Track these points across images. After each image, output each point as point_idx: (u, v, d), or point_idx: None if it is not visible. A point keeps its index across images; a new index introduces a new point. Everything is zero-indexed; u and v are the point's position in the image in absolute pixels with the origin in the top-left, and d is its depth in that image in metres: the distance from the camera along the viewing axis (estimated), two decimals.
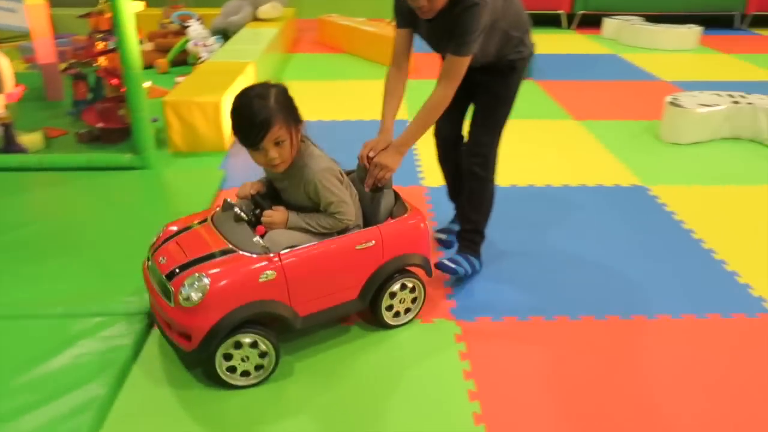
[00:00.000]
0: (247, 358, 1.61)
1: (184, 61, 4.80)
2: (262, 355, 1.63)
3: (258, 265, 1.59)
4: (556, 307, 2.01)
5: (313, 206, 1.76)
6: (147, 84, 3.39)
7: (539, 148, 3.36)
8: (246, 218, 1.70)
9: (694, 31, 5.86)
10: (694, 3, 6.68)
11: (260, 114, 1.60)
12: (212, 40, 4.63)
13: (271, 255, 1.61)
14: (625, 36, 6.01)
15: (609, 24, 6.26)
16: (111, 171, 2.92)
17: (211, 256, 1.60)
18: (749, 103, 3.45)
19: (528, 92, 4.34)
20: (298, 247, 1.65)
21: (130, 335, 1.77)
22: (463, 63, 1.82)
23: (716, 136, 3.49)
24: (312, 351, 1.79)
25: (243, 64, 3.84)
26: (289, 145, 1.68)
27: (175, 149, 3.24)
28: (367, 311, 1.86)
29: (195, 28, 4.57)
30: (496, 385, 1.67)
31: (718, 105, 3.43)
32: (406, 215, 1.86)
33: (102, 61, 3.33)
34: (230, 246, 1.63)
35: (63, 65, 3.76)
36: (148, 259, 1.74)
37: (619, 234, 2.49)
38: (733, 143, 3.47)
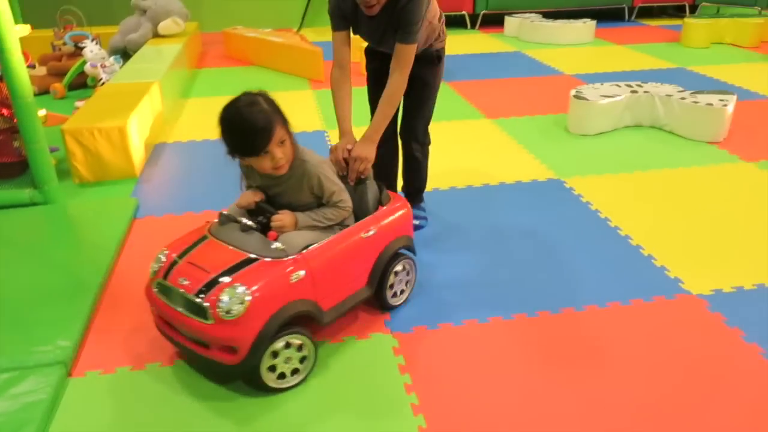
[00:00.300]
0: (289, 359, 1.65)
1: (83, 84, 4.54)
2: (300, 356, 1.68)
3: (289, 268, 1.63)
4: (488, 308, 2.03)
5: (313, 202, 1.82)
6: (42, 112, 3.18)
7: (457, 150, 3.40)
8: (255, 227, 1.73)
9: (588, 25, 6.15)
10: None
11: (260, 120, 1.64)
12: (111, 60, 4.40)
13: (296, 256, 1.66)
14: (526, 33, 6.23)
15: (510, 22, 6.47)
16: (10, 209, 2.71)
17: (237, 268, 1.60)
18: (646, 92, 3.65)
19: (440, 94, 4.43)
20: (315, 245, 1.72)
21: (45, 389, 1.63)
22: (413, 50, 2.02)
23: (619, 125, 3.67)
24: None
25: (147, 84, 3.66)
26: (290, 143, 1.73)
27: (81, 179, 3.04)
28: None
29: (91, 49, 4.33)
30: (439, 396, 1.66)
31: (618, 95, 3.60)
32: (393, 202, 2.01)
33: None
34: (250, 255, 1.64)
35: None
36: (159, 286, 1.67)
37: (541, 228, 2.55)
38: (635, 130, 3.66)
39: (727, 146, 3.38)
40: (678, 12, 7.50)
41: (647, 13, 7.51)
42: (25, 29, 3.04)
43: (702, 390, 1.66)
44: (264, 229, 1.76)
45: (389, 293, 1.97)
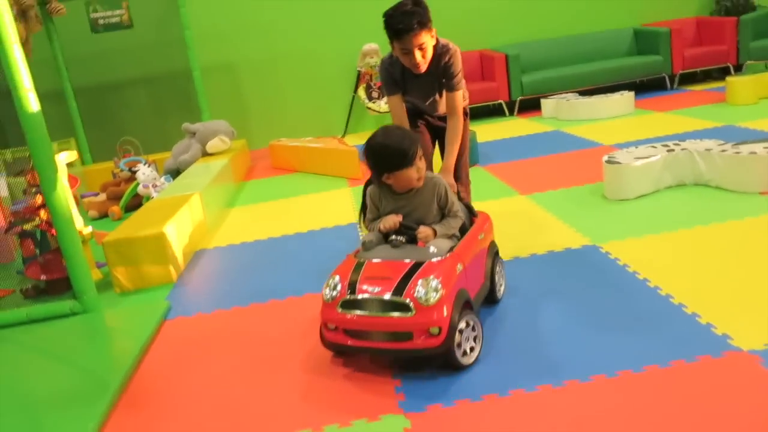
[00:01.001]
0: (467, 338, 1.96)
1: (138, 205, 4.82)
2: (474, 335, 2.01)
3: (455, 262, 2.00)
4: (510, 380, 1.88)
5: (437, 216, 2.21)
6: (89, 229, 3.38)
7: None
8: (404, 242, 2.11)
9: (626, 96, 6.10)
10: (621, 73, 7.01)
11: (405, 139, 2.11)
12: (162, 180, 4.71)
13: (451, 254, 2.03)
14: (563, 112, 6.24)
15: (547, 104, 6.52)
16: (53, 320, 2.83)
17: (413, 270, 1.94)
18: (683, 149, 3.51)
19: (475, 177, 4.42)
20: (456, 246, 2.10)
21: None
22: (459, 96, 2.56)
23: (660, 186, 3.51)
24: None
25: (187, 195, 3.86)
26: (423, 159, 2.17)
27: (122, 289, 3.16)
28: None
29: (143, 171, 4.65)
30: None
31: (654, 156, 3.48)
32: (481, 214, 2.48)
33: (42, 214, 3.32)
34: (415, 261, 1.98)
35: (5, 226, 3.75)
36: (346, 303, 1.95)
37: (574, 295, 2.40)
38: (677, 190, 3.48)
39: None
40: (723, 74, 7.34)
41: (690, 79, 7.40)
42: (72, 155, 3.32)
43: None
44: (407, 242, 2.12)
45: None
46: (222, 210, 4.50)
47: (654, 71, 7.09)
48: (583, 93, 6.56)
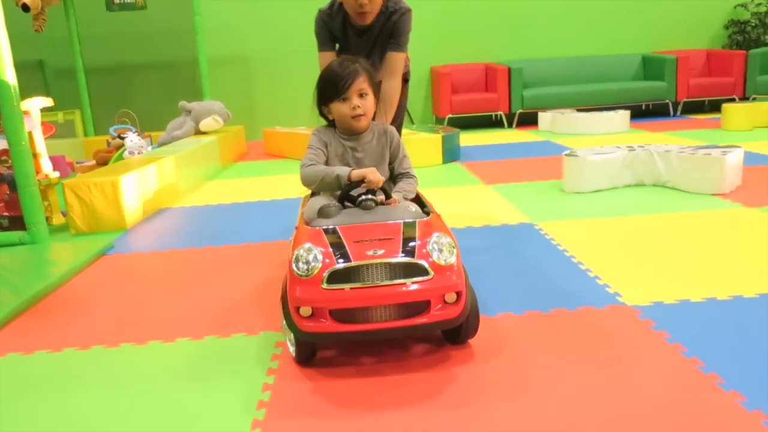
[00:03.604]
0: None
1: None
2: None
3: (442, 221, 1.73)
4: None
5: (388, 174, 1.98)
6: (55, 174, 3.51)
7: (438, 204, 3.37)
8: (378, 201, 1.75)
9: (621, 115, 6.10)
10: (624, 96, 7.02)
11: (345, 69, 1.86)
12: (149, 148, 4.85)
13: (433, 215, 1.76)
14: (558, 126, 6.25)
15: (544, 117, 6.54)
16: (3, 249, 2.94)
17: (410, 229, 1.60)
18: (644, 149, 3.51)
19: (448, 169, 4.48)
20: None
21: None
22: (403, 59, 2.37)
23: (619, 184, 3.51)
24: None
25: (161, 157, 3.99)
26: (372, 101, 1.91)
27: (77, 230, 3.27)
28: None
29: (131, 138, 4.81)
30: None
31: (613, 153, 3.49)
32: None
33: None
34: (407, 220, 1.66)
35: None
36: (338, 273, 1.50)
37: (499, 255, 2.42)
38: (635, 188, 3.48)
39: (731, 197, 3.13)
40: None
41: (697, 108, 7.36)
42: (47, 101, 3.48)
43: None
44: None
45: None
46: (200, 180, 4.61)
47: (657, 97, 7.08)
48: (586, 112, 6.58)
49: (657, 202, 3.14)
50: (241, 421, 1.38)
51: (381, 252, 1.51)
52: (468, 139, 6.03)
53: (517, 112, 7.00)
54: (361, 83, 1.85)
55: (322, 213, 1.72)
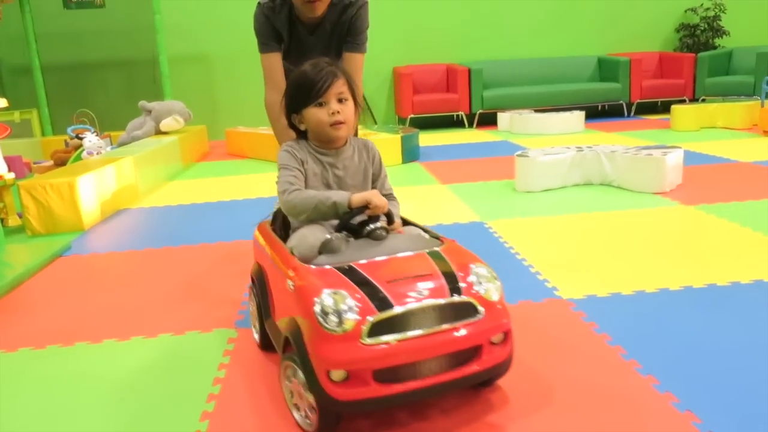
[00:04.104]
0: None
1: None
2: None
3: (464, 248, 1.50)
4: None
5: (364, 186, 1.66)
6: (11, 175, 3.49)
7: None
8: (387, 230, 1.51)
9: (577, 115, 6.30)
10: (580, 97, 7.23)
11: (322, 70, 1.55)
12: (108, 149, 4.83)
13: (449, 241, 1.54)
14: (517, 126, 6.42)
15: (502, 117, 6.71)
16: None
17: (439, 260, 1.37)
18: (592, 150, 3.67)
19: (407, 169, 4.58)
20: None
21: None
22: (362, 60, 2.07)
23: (568, 183, 3.66)
24: None
25: (120, 158, 3.99)
26: (352, 109, 1.59)
27: (33, 232, 3.26)
28: None
29: (90, 138, 4.78)
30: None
31: (562, 153, 3.63)
32: None
33: None
34: (432, 249, 1.43)
35: None
36: (384, 323, 1.22)
37: None
38: (583, 187, 3.63)
39: (671, 195, 3.30)
40: None
41: (651, 109, 7.62)
42: (2, 102, 3.46)
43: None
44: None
45: None
46: (160, 180, 4.61)
47: (612, 98, 7.32)
48: (544, 112, 6.76)
49: (602, 201, 3.29)
50: (190, 413, 1.45)
51: (426, 292, 1.27)
52: (429, 139, 6.15)
53: (478, 112, 7.16)
54: (341, 86, 1.56)
55: (327, 248, 1.41)
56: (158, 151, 4.67)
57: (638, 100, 7.37)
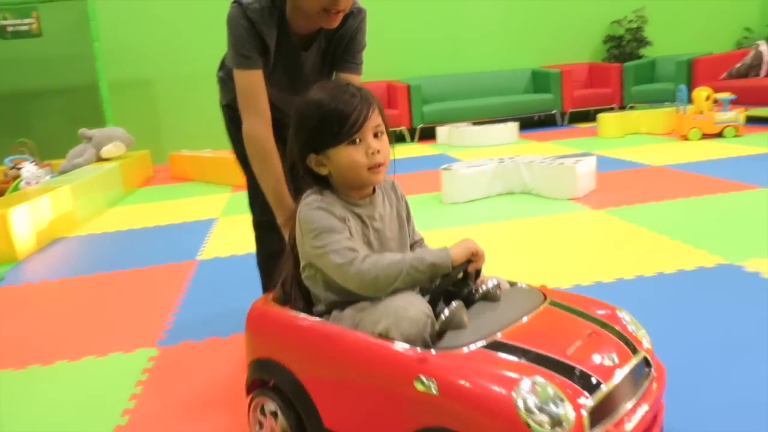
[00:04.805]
0: None
1: None
2: None
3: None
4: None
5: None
6: None
7: None
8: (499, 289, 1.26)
9: (510, 126, 6.58)
10: (516, 108, 7.53)
11: (355, 98, 1.22)
12: (47, 178, 4.85)
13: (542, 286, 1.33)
14: (455, 139, 6.67)
15: (441, 131, 6.95)
16: None
17: (578, 312, 1.18)
18: (512, 160, 3.89)
19: None
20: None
21: None
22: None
23: (491, 193, 3.87)
24: None
25: (56, 186, 4.04)
26: (387, 142, 1.29)
27: None
28: None
29: (28, 168, 4.80)
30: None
31: (484, 165, 3.85)
32: None
33: None
34: (541, 306, 1.19)
35: None
36: (600, 411, 0.97)
37: None
38: (505, 196, 3.85)
39: (583, 200, 3.54)
40: None
41: (583, 117, 7.98)
42: None
43: None
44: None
45: None
46: (100, 207, 4.66)
47: (546, 108, 7.65)
48: (481, 125, 7.02)
49: (520, 209, 3.51)
50: (103, 427, 1.56)
51: (615, 357, 1.05)
52: None
53: (419, 126, 7.39)
54: (377, 117, 1.24)
55: (453, 324, 1.10)
56: (98, 178, 4.72)
57: (570, 110, 7.72)
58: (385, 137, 1.26)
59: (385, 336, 1.09)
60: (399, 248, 1.34)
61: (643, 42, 8.08)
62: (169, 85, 7.20)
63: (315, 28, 1.57)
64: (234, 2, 1.51)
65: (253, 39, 1.51)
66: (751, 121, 6.06)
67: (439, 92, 7.64)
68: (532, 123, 7.80)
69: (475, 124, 6.94)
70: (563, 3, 8.09)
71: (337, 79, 1.35)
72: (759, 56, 6.57)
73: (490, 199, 3.81)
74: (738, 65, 6.69)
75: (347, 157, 1.22)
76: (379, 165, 1.24)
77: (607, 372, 1.01)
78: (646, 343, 1.14)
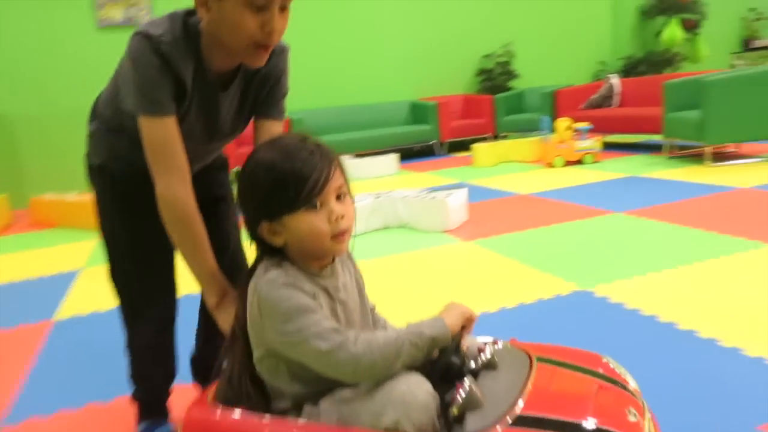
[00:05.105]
0: None
1: None
2: None
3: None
4: None
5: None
6: None
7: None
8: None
9: (391, 158, 6.74)
10: (396, 139, 7.72)
11: (314, 157, 1.07)
12: None
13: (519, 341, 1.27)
14: None
15: None
16: None
17: (570, 366, 1.13)
18: (388, 196, 3.98)
19: None
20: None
21: None
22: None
23: (370, 228, 3.92)
24: None
25: None
26: (351, 204, 1.16)
27: None
28: None
29: None
30: None
31: (362, 201, 3.90)
32: None
33: None
34: (532, 367, 1.10)
35: None
36: None
37: None
38: (383, 231, 3.92)
39: (455, 232, 3.67)
40: None
41: (459, 147, 8.33)
42: None
43: None
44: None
45: None
46: None
47: (425, 139, 7.92)
48: (362, 157, 7.13)
49: (396, 243, 3.58)
50: None
51: (635, 412, 1.01)
52: None
53: None
54: (339, 178, 1.10)
55: (471, 405, 0.98)
56: None
57: (448, 140, 8.04)
58: (348, 199, 1.13)
59: (394, 430, 0.94)
60: (362, 319, 1.21)
61: (511, 75, 8.61)
62: (29, 124, 6.69)
63: (235, 64, 1.32)
64: (137, 34, 1.21)
65: (167, 80, 1.22)
66: (608, 147, 6.61)
67: (321, 125, 7.68)
68: (411, 153, 8.04)
69: (357, 156, 7.03)
70: (438, 37, 8.46)
71: (291, 133, 1.14)
72: (611, 88, 7.22)
73: (369, 235, 3.85)
74: (595, 96, 7.30)
75: (307, 224, 1.06)
76: (344, 232, 1.10)
77: (637, 429, 0.98)
78: (633, 384, 1.12)
